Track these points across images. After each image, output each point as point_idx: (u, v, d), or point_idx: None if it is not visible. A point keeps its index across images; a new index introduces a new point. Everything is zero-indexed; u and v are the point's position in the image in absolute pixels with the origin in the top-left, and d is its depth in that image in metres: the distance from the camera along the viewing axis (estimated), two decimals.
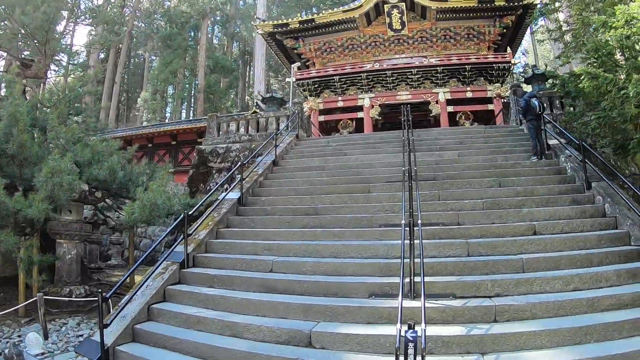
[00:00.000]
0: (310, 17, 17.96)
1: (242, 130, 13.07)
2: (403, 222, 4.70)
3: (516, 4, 16.22)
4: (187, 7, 34.75)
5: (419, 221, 4.73)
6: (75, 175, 8.01)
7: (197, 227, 6.58)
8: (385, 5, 17.61)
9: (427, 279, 4.12)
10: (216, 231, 6.91)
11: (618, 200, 5.93)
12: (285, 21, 18.04)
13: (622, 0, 9.48)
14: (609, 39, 7.17)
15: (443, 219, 6.08)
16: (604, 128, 7.64)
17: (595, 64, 7.47)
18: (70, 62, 21.92)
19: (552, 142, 8.68)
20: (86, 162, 9.02)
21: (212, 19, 39.35)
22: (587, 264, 4.77)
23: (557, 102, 11.26)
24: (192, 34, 39.04)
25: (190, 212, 6.30)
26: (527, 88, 15.17)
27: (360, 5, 17.17)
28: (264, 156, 9.58)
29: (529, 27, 18.68)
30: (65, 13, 22.66)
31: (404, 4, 17.40)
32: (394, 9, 17.70)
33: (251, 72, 43.73)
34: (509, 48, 17.39)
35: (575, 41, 11.86)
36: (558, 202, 6.40)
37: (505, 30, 17.54)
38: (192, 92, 38.80)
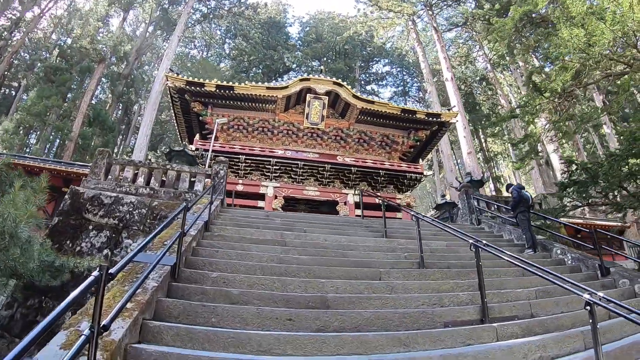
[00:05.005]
0: (229, 84, 16.48)
1: (140, 180, 9.80)
2: None
3: (434, 119, 17.28)
4: (89, 43, 30.81)
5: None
6: None
7: (113, 316, 2.69)
8: (308, 95, 17.23)
9: None
10: (140, 325, 3.32)
11: None
12: (201, 81, 16.21)
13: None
14: None
15: (516, 310, 4.84)
16: None
17: None
18: None
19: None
20: None
21: (104, 70, 35.62)
22: None
23: None
24: (79, 78, 34.37)
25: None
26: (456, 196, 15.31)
27: (286, 87, 16.50)
28: (196, 218, 6.09)
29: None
30: None
31: (327, 97, 17.27)
32: (316, 100, 17.42)
33: (124, 142, 39.95)
34: (420, 160, 18.03)
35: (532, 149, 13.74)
36: (592, 288, 5.91)
37: (417, 143, 18.39)
38: (59, 140, 32.63)
